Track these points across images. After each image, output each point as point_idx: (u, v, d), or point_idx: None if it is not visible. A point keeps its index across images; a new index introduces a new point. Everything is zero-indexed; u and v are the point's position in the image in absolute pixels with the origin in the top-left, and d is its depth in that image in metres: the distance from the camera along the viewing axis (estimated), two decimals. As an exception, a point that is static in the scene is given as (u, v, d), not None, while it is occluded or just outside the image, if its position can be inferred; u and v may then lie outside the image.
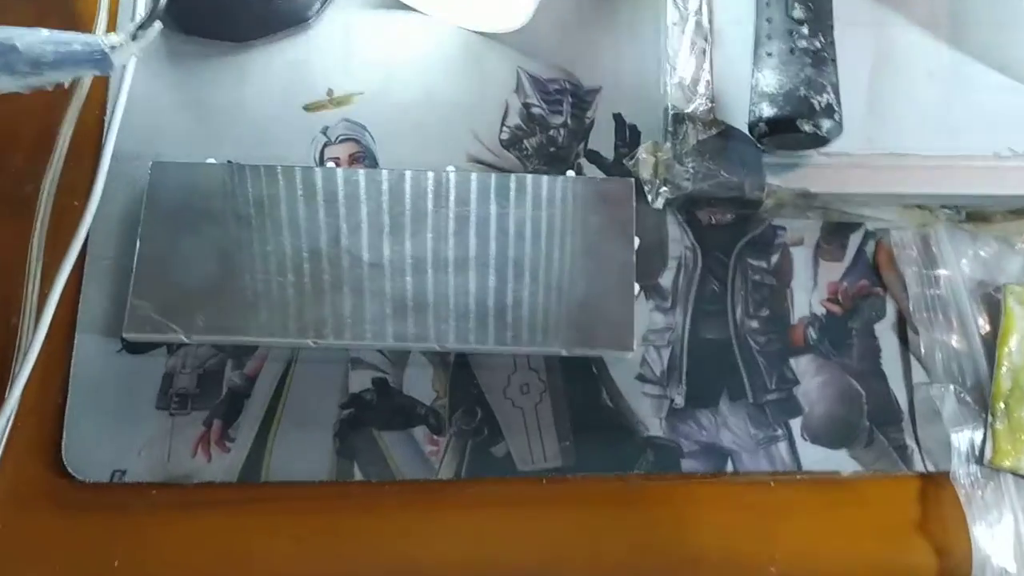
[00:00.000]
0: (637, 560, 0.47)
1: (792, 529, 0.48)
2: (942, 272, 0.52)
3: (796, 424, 0.49)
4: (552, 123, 0.54)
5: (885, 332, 0.51)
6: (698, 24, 0.54)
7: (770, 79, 0.49)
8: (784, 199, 0.51)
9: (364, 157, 0.53)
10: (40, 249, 0.50)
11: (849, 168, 0.51)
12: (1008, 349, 0.50)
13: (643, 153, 0.52)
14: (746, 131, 0.51)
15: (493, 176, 0.51)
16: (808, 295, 0.52)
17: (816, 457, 0.49)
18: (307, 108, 0.54)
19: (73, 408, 0.48)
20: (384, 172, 0.51)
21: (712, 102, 0.52)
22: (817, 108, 0.48)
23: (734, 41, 0.53)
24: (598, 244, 0.49)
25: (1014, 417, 0.49)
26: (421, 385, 0.49)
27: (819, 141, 0.49)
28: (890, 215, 0.53)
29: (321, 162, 0.53)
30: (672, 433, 0.49)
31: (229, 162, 0.51)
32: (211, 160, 0.51)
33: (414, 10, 0.56)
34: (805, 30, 0.49)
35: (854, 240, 0.53)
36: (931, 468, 0.49)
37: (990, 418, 0.49)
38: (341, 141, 0.54)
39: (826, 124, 0.48)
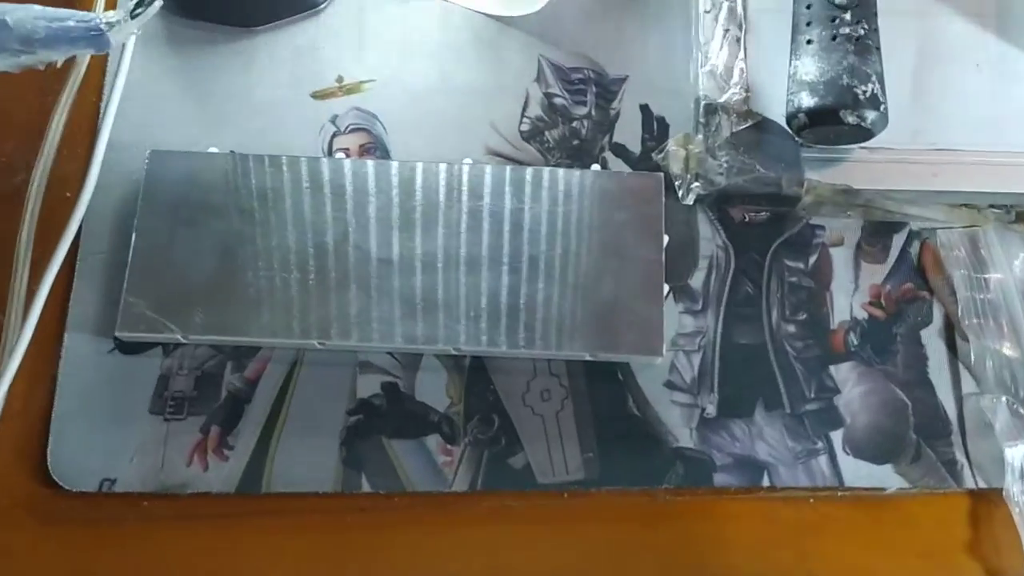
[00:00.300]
0: (666, 582, 0.46)
1: (833, 550, 0.47)
2: (992, 275, 0.51)
3: (837, 436, 0.48)
4: (575, 114, 0.53)
5: (932, 339, 0.50)
6: (731, 10, 0.53)
7: (810, 67, 0.48)
8: (824, 196, 0.50)
9: (375, 148, 0.52)
10: (29, 242, 0.49)
11: (893, 164, 0.50)
12: (1064, 358, 0.49)
13: (673, 146, 0.51)
14: (783, 123, 0.50)
15: (508, 169, 0.50)
16: (849, 298, 0.50)
17: (859, 472, 0.47)
18: (315, 96, 0.53)
19: (60, 412, 0.47)
20: (394, 164, 0.50)
21: (747, 92, 0.51)
22: (861, 98, 0.47)
23: (769, 28, 0.52)
24: (625, 242, 0.49)
25: (1071, 431, 0.48)
26: (434, 390, 0.48)
27: (862, 134, 0.48)
28: (936, 214, 0.51)
29: (330, 153, 0.52)
30: (703, 444, 0.48)
31: (232, 152, 0.50)
32: (213, 149, 0.50)
33: (429, -7, 0.55)
34: (848, 16, 0.48)
35: (897, 240, 0.52)
36: (982, 485, 0.47)
37: (1045, 432, 0.48)
38: (351, 131, 0.53)
39: (871, 115, 0.47)
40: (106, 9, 0.52)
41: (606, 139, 0.53)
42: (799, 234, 0.51)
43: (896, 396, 0.48)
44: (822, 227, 0.51)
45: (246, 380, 0.48)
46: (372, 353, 0.48)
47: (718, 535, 0.47)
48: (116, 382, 0.47)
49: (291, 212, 0.48)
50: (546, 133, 0.53)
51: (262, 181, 0.49)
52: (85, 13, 0.43)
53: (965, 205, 0.51)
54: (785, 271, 0.50)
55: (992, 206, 0.51)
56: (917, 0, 0.53)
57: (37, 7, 0.43)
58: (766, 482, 0.47)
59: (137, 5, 0.44)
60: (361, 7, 0.55)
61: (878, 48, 0.48)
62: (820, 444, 0.47)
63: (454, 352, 0.47)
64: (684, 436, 0.47)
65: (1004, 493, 0.47)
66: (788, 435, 0.48)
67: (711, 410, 0.48)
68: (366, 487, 0.46)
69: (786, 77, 0.49)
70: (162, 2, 0.45)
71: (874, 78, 0.47)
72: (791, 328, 0.49)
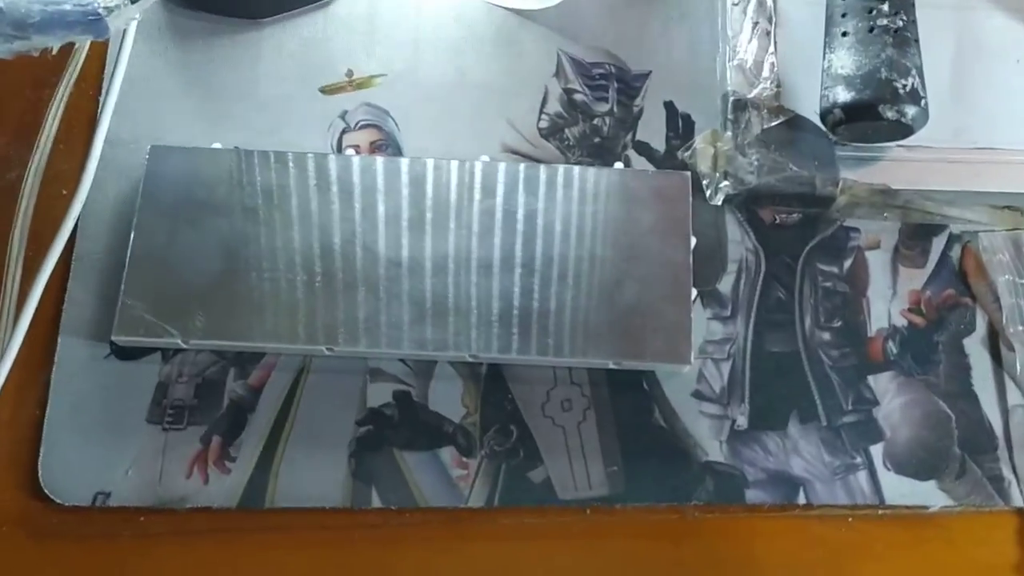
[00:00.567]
0: (694, 603, 0.45)
1: (873, 571, 0.45)
2: (1038, 281, 0.49)
3: (877, 451, 0.46)
4: (596, 111, 0.52)
5: (975, 348, 0.48)
6: (760, 3, 0.52)
7: (846, 60, 0.47)
8: (860, 196, 0.48)
9: (386, 145, 0.51)
10: (22, 241, 0.49)
11: (933, 163, 0.49)
12: (1115, 369, 0.47)
13: (701, 143, 0.50)
14: (816, 120, 0.49)
15: (523, 166, 0.49)
16: (887, 304, 0.49)
17: (901, 489, 0.46)
18: (324, 90, 0.52)
19: (53, 421, 0.46)
20: (405, 161, 0.49)
21: (778, 87, 0.50)
22: (901, 92, 0.45)
23: (801, 20, 0.51)
24: (650, 244, 0.47)
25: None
26: (449, 400, 0.47)
27: (901, 130, 0.47)
28: (977, 216, 0.50)
29: (339, 150, 0.51)
30: (734, 459, 0.46)
31: (236, 148, 0.49)
32: (216, 145, 0.49)
33: (443, -15, 0.55)
34: (886, 7, 0.47)
35: (937, 244, 0.50)
36: (1031, 503, 0.46)
37: (1097, 447, 0.46)
38: (361, 127, 0.52)
39: (911, 111, 0.46)
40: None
41: (629, 137, 0.51)
42: (833, 237, 0.50)
43: (939, 408, 0.47)
44: (857, 229, 0.50)
45: (249, 388, 0.47)
46: (383, 360, 0.47)
47: (750, 555, 0.45)
48: (112, 389, 0.46)
49: (297, 211, 0.47)
50: (566, 130, 0.51)
51: (267, 179, 0.48)
52: (83, -4, 0.42)
53: (1009, 207, 0.50)
54: (819, 275, 0.49)
55: (1036, 208, 0.50)
56: (955, -7, 0.53)
57: (31, -10, 0.42)
58: (802, 499, 0.45)
59: (139, -11, 0.43)
60: (372, -1, 0.54)
61: (917, 40, 0.47)
62: (859, 459, 0.46)
63: (470, 359, 0.46)
64: (714, 449, 0.46)
65: (1054, 512, 0.45)
66: (825, 449, 0.46)
67: (742, 422, 0.46)
68: (376, 502, 0.45)
69: (819, 71, 0.48)
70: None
71: (914, 72, 0.46)
72: (826, 336, 0.48)
